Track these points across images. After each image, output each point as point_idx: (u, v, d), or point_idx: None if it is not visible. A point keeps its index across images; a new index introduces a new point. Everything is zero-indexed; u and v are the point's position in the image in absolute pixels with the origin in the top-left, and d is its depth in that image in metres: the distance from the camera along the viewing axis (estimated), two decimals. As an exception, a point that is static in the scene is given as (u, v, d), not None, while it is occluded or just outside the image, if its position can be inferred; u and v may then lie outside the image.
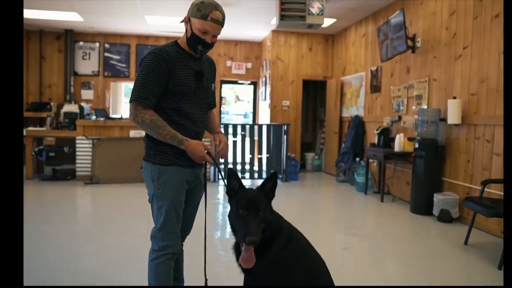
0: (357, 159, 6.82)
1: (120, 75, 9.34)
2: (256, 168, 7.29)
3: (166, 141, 1.92)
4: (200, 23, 1.90)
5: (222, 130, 6.51)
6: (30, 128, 7.03)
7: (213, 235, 3.94)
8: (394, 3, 6.14)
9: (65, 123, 6.80)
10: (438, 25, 5.10)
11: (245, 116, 11.26)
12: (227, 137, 6.71)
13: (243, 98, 11.49)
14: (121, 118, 7.14)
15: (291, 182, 7.21)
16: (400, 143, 5.53)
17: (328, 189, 6.88)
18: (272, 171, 2.72)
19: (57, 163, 6.88)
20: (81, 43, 9.18)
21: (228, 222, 1.81)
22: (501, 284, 2.85)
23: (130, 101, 1.92)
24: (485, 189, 3.79)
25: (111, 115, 8.23)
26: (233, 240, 1.86)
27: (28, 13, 7.34)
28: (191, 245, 2.43)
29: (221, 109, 10.14)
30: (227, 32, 8.58)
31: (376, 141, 6.15)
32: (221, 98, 9.98)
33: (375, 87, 6.74)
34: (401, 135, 5.58)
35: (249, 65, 9.69)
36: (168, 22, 7.82)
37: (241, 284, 2.00)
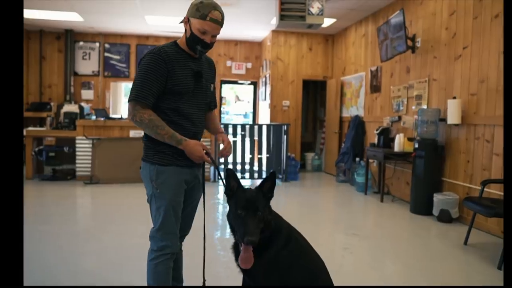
0: (357, 159, 6.82)
1: (120, 75, 9.35)
2: (256, 168, 7.29)
3: (164, 141, 1.92)
4: (199, 23, 1.90)
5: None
6: (30, 128, 7.04)
7: (213, 235, 3.95)
8: (394, 3, 6.15)
9: (65, 123, 6.81)
10: (438, 25, 5.10)
11: (245, 116, 11.25)
12: (227, 137, 6.71)
13: (243, 98, 11.49)
14: (121, 118, 7.14)
15: (291, 182, 7.21)
16: (400, 143, 5.53)
17: (328, 189, 6.88)
18: (271, 170, 2.73)
19: (57, 163, 6.89)
20: (81, 43, 9.19)
21: (227, 222, 1.81)
22: (501, 284, 2.85)
23: (128, 101, 1.92)
24: (485, 189, 3.79)
25: (111, 115, 8.24)
26: (232, 240, 1.86)
27: (28, 13, 7.34)
28: (190, 245, 2.43)
29: (221, 109, 10.15)
30: (227, 32, 8.59)
31: (376, 141, 6.15)
32: (221, 98, 9.98)
33: (375, 87, 6.74)
34: (401, 135, 5.58)
35: (249, 65, 9.69)
36: (168, 22, 7.83)
37: (241, 284, 2.00)
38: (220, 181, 6.99)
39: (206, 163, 2.03)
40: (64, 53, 9.03)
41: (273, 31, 8.45)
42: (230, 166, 7.12)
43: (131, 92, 1.92)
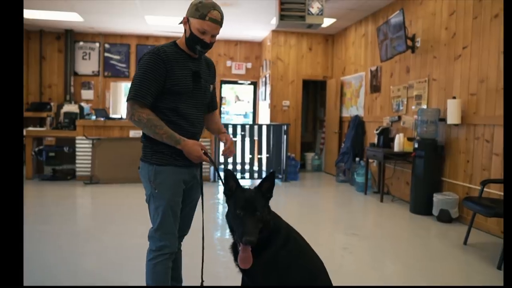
0: (357, 159, 6.82)
1: (120, 75, 9.35)
2: (256, 168, 7.29)
3: (162, 141, 1.93)
4: (199, 23, 1.91)
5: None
6: (30, 128, 7.04)
7: (213, 235, 3.95)
8: (393, 3, 6.15)
9: (65, 123, 6.81)
10: (438, 25, 5.10)
11: (245, 116, 11.25)
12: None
13: (243, 98, 11.49)
14: (121, 118, 7.15)
15: (291, 182, 7.22)
16: (399, 143, 5.54)
17: (328, 189, 6.88)
18: (271, 170, 2.74)
19: (57, 163, 6.89)
20: (81, 43, 9.19)
21: (226, 222, 1.81)
22: (500, 284, 2.85)
23: (127, 100, 1.93)
24: (485, 189, 3.79)
25: (111, 115, 8.24)
26: (232, 240, 1.86)
27: (28, 13, 7.35)
28: (189, 245, 2.43)
29: (221, 109, 10.15)
30: (227, 32, 8.59)
31: (375, 141, 6.16)
32: (221, 98, 9.99)
33: (375, 87, 6.74)
34: (401, 135, 5.58)
35: (249, 65, 9.70)
36: (168, 22, 7.83)
37: (240, 284, 2.00)
38: (220, 181, 6.98)
39: (205, 163, 2.03)
40: (64, 53, 9.04)
41: (273, 31, 8.45)
42: (230, 166, 7.12)
43: (129, 91, 1.93)
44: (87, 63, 9.24)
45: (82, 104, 7.74)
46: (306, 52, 8.63)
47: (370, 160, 6.27)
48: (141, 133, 2.06)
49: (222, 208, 5.16)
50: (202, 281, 2.17)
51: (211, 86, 2.17)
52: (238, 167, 7.36)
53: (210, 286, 2.67)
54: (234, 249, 1.83)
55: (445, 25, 4.96)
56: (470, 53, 4.52)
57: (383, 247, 3.76)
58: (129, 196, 5.69)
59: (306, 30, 7.83)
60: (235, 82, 10.07)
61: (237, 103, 11.87)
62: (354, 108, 7.56)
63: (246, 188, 1.79)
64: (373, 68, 6.75)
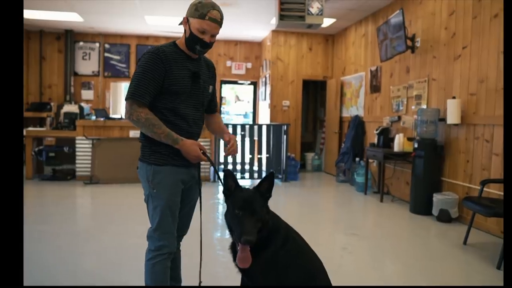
0: (357, 159, 6.83)
1: (120, 75, 9.35)
2: (256, 168, 7.29)
3: (161, 140, 1.93)
4: (198, 23, 1.91)
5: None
6: (30, 128, 7.04)
7: (212, 235, 3.95)
8: (393, 3, 6.15)
9: (65, 123, 6.81)
10: (438, 25, 5.10)
11: (245, 116, 11.25)
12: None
13: (243, 98, 11.49)
14: (121, 118, 7.14)
15: (291, 182, 7.22)
16: (399, 143, 5.54)
17: (328, 189, 6.88)
18: (270, 170, 2.74)
19: (57, 163, 6.89)
20: (81, 43, 9.19)
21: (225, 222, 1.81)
22: (501, 284, 2.85)
23: (125, 99, 1.94)
24: (484, 189, 3.79)
25: (111, 115, 8.23)
26: (231, 240, 1.86)
27: (28, 13, 7.35)
28: (189, 245, 2.44)
29: (221, 109, 10.15)
30: (227, 32, 8.59)
31: (375, 141, 6.16)
32: (221, 98, 9.98)
33: (374, 87, 6.74)
34: (401, 135, 5.58)
35: (249, 65, 9.70)
36: (168, 22, 7.83)
37: (239, 284, 2.01)
38: (219, 181, 6.97)
39: (205, 163, 2.03)
40: (64, 53, 9.04)
41: (273, 31, 8.45)
42: (230, 167, 7.13)
43: (128, 90, 1.93)
44: (87, 63, 9.24)
45: (82, 104, 7.74)
46: (306, 52, 8.63)
47: (370, 160, 6.27)
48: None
49: (222, 208, 5.16)
50: (200, 281, 2.18)
51: (211, 87, 2.17)
52: (238, 167, 7.36)
53: (210, 286, 2.67)
54: (233, 249, 1.83)
55: (445, 25, 4.96)
56: (469, 53, 4.52)
57: (383, 247, 3.76)
58: (129, 196, 5.69)
59: (306, 30, 7.83)
60: (235, 82, 10.07)
61: (237, 103, 11.88)
62: (354, 108, 7.56)
63: (245, 188, 1.79)
64: (373, 68, 6.75)
